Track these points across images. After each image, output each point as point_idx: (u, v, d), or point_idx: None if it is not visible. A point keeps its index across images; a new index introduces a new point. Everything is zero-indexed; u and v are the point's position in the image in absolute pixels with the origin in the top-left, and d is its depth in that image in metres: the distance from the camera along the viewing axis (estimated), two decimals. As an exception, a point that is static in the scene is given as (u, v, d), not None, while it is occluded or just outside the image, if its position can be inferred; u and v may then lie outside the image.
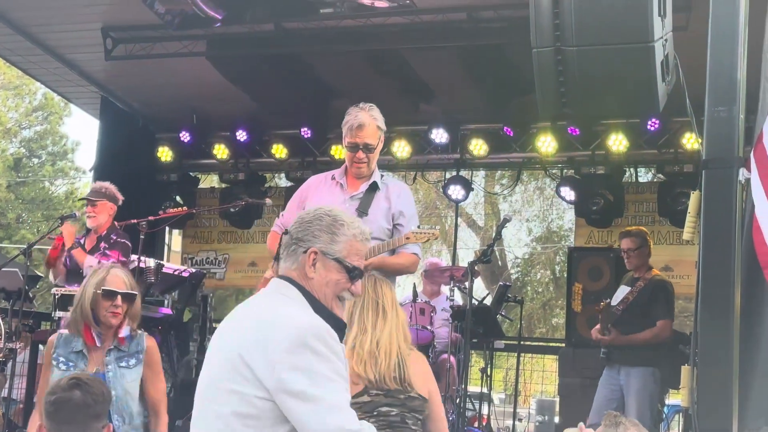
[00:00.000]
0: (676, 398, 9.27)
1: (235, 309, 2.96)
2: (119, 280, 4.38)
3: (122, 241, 6.89)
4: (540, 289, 24.53)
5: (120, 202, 7.06)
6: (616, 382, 6.94)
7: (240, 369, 2.66)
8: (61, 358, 4.32)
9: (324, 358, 2.65)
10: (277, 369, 2.61)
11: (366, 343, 3.93)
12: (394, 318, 4.03)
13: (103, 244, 6.86)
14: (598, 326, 7.05)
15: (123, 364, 4.34)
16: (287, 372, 2.61)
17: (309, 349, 2.64)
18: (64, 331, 4.42)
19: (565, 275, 11.48)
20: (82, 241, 6.97)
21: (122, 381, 4.30)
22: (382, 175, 5.29)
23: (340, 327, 2.85)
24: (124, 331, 4.37)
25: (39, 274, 8.27)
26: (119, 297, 4.33)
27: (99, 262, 6.49)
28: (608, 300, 7.04)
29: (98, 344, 4.33)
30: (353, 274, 2.89)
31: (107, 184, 7.10)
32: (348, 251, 2.90)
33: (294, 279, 2.87)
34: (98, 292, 4.31)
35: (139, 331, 4.45)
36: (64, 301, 6.43)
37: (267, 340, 2.65)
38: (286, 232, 2.95)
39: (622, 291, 7.07)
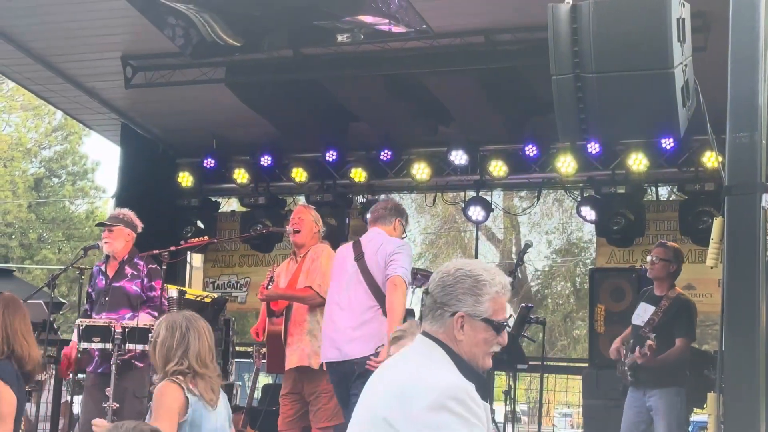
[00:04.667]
0: (700, 415, 9.22)
1: (381, 368, 3.00)
2: None
3: (154, 267, 6.88)
4: (561, 302, 24.50)
5: (139, 230, 7.01)
6: (642, 404, 6.89)
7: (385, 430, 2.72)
8: None
9: (463, 420, 2.68)
10: (417, 429, 2.66)
11: None
12: None
13: (128, 270, 6.84)
14: (618, 345, 7.02)
15: None
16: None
17: (448, 410, 2.67)
18: None
19: (586, 287, 11.45)
20: (103, 269, 6.97)
21: None
22: None
23: (482, 384, 2.87)
24: None
25: (62, 300, 8.31)
26: None
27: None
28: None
29: None
30: (500, 328, 2.90)
31: (126, 211, 7.08)
32: (494, 309, 2.89)
33: (441, 340, 2.87)
34: None
35: None
36: (89, 332, 6.45)
37: (409, 402, 2.70)
38: (426, 292, 2.92)
39: (645, 310, 7.01)
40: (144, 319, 6.61)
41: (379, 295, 5.75)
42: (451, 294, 2.86)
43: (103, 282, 6.88)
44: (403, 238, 6.14)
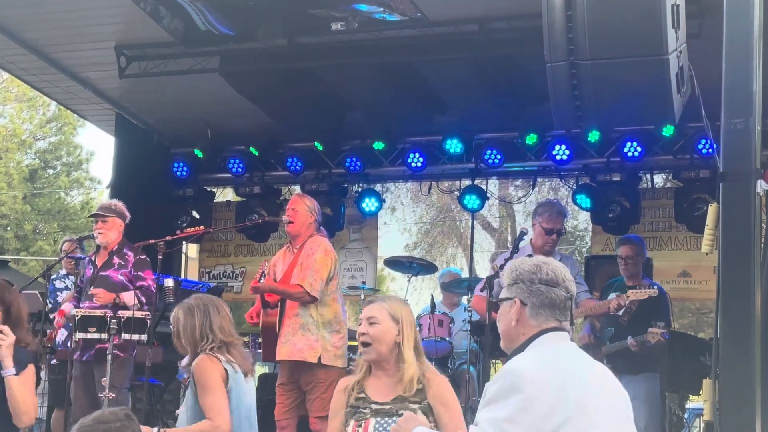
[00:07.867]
0: (696, 402, 9.25)
1: (576, 358, 3.15)
2: None
3: (143, 257, 6.93)
4: (557, 290, 24.53)
5: (128, 220, 7.12)
6: None
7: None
8: None
9: None
10: None
11: None
12: None
13: (116, 259, 6.92)
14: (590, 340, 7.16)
15: None
16: None
17: None
18: None
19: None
20: (93, 259, 7.01)
21: None
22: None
23: None
24: None
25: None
26: None
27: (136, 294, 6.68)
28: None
29: None
30: None
31: (116, 201, 7.22)
32: None
33: None
34: None
35: None
36: (84, 323, 6.46)
37: None
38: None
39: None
40: (128, 298, 6.66)
41: None
42: None
43: (91, 271, 6.94)
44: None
